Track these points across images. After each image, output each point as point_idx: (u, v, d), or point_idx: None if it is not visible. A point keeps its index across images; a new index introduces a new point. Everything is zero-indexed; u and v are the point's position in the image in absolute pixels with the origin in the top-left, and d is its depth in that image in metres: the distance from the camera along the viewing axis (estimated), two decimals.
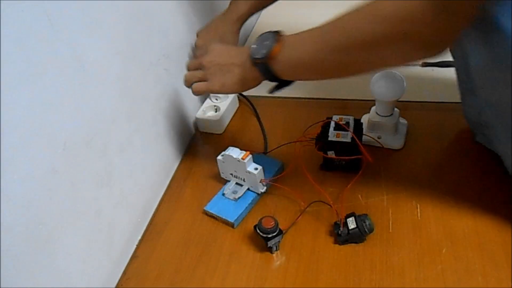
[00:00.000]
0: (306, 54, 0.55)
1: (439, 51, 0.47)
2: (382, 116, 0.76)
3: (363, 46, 0.49)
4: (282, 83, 0.63)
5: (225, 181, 0.74)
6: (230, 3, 0.81)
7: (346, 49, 0.51)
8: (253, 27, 1.21)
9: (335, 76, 0.59)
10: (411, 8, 0.43)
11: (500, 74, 0.54)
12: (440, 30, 0.44)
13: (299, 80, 0.63)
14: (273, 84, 0.63)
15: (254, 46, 0.60)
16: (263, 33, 0.61)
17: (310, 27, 0.56)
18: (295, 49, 0.56)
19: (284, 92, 0.95)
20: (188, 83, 0.69)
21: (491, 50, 0.52)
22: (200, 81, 0.68)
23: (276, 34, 0.59)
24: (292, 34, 0.58)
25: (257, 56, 0.59)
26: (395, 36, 0.46)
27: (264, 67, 0.59)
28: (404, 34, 0.45)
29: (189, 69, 0.71)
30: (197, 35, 0.84)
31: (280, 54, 0.57)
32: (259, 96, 0.92)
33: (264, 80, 0.62)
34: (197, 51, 0.83)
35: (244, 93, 0.92)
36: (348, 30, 0.50)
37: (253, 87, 0.65)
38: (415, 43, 0.46)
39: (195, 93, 0.69)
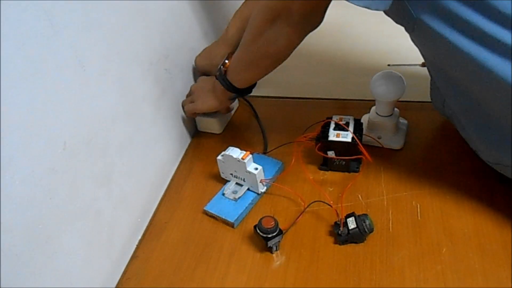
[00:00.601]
0: (237, 57, 0.72)
1: (310, 26, 0.61)
2: (382, 116, 0.76)
3: (256, 34, 0.65)
4: (241, 92, 0.76)
5: (225, 181, 0.74)
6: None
7: (251, 42, 0.67)
8: None
9: (260, 69, 0.71)
10: None
11: (444, 68, 0.59)
12: (302, 9, 0.59)
13: (248, 82, 0.75)
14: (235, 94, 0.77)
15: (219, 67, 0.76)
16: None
17: None
18: (234, 56, 0.73)
19: (284, 92, 0.96)
20: (183, 107, 0.84)
21: (428, 47, 0.58)
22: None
23: (230, 54, 0.75)
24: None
25: (216, 71, 0.76)
26: (272, 19, 0.61)
27: (222, 79, 0.74)
28: (278, 16, 0.61)
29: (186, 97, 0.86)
30: (198, 56, 0.90)
31: (229, 66, 0.74)
32: (259, 96, 0.92)
33: (228, 91, 0.75)
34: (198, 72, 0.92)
35: None
36: (248, 27, 0.66)
37: (227, 101, 0.79)
38: (289, 21, 0.60)
39: (186, 113, 0.84)
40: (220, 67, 0.75)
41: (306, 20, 0.61)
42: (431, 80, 0.72)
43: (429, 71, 0.69)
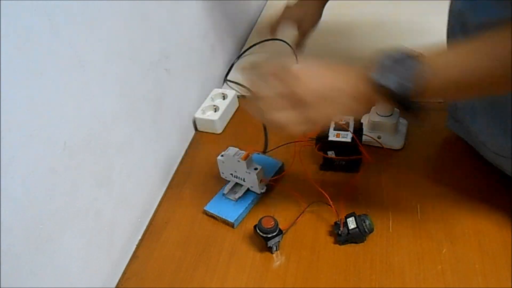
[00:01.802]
0: (470, 72, 0.47)
1: None
2: (382, 116, 0.76)
3: None
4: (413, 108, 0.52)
5: (225, 181, 0.74)
6: None
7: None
8: (258, 19, 1.21)
9: (497, 91, 0.54)
10: None
11: None
12: None
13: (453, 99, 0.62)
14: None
15: (380, 74, 0.48)
16: (382, 55, 0.49)
17: None
18: (452, 60, 0.48)
19: None
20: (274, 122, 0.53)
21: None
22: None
23: (414, 60, 0.47)
24: (433, 55, 0.48)
25: (399, 92, 0.48)
26: None
27: (404, 99, 0.49)
28: None
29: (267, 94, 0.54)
30: (284, 9, 0.84)
31: (435, 67, 0.47)
32: None
33: (398, 103, 0.51)
34: (278, 20, 0.84)
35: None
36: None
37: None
38: None
39: (294, 133, 0.54)
40: (413, 86, 0.48)
41: None
42: None
43: None
